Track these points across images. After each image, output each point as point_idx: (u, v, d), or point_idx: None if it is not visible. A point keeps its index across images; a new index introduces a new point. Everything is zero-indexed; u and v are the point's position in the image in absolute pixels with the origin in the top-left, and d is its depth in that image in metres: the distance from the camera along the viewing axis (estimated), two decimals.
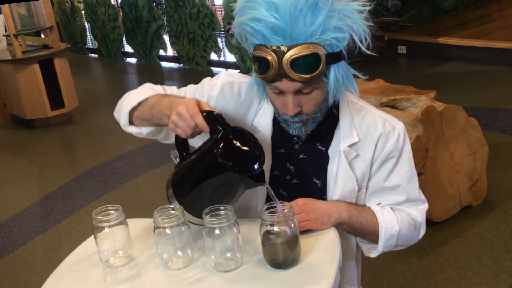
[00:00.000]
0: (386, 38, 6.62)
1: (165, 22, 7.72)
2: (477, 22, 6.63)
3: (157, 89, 1.44)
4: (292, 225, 1.18)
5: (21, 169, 4.79)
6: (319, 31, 1.16)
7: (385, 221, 1.38)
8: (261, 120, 1.39)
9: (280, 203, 1.21)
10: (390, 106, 2.98)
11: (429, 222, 2.91)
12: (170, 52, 7.91)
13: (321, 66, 1.18)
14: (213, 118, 1.21)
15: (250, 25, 1.19)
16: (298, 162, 1.39)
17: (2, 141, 5.68)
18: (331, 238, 1.29)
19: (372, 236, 1.40)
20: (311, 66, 1.18)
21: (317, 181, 1.39)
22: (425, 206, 1.45)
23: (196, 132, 1.23)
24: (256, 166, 1.20)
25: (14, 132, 5.86)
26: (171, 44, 7.79)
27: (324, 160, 1.38)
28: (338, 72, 1.22)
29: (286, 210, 1.19)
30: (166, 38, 7.87)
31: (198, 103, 1.23)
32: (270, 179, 1.39)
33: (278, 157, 1.40)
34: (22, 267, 3.18)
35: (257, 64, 1.22)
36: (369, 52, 1.24)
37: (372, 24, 1.23)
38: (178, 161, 1.31)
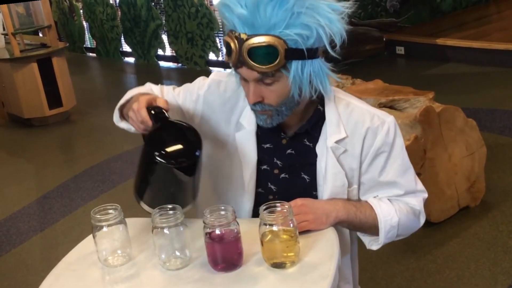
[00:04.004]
0: (384, 39, 6.63)
1: (164, 21, 7.71)
2: (475, 23, 6.64)
3: (154, 88, 1.51)
4: (291, 224, 1.18)
5: (19, 168, 4.79)
6: (283, 25, 1.16)
7: (384, 214, 1.38)
8: (247, 117, 1.41)
9: (279, 203, 1.21)
10: (388, 106, 2.98)
11: (427, 222, 2.89)
12: (169, 51, 7.91)
13: (278, 59, 1.19)
14: (156, 114, 1.25)
15: (222, 10, 1.22)
16: (286, 157, 1.40)
17: (0, 140, 5.67)
18: (330, 238, 1.30)
19: (372, 229, 1.41)
20: (268, 57, 1.19)
21: (306, 177, 1.40)
22: (424, 195, 1.45)
23: (146, 126, 1.27)
24: (184, 159, 1.23)
25: (11, 131, 5.85)
26: (170, 43, 7.78)
27: (312, 155, 1.39)
28: (301, 69, 1.21)
29: (285, 210, 1.19)
30: (164, 37, 7.87)
31: (153, 100, 1.29)
32: (259, 173, 1.41)
33: (265, 152, 1.41)
34: (20, 266, 3.17)
35: (225, 47, 1.26)
36: (335, 55, 1.23)
37: (350, 27, 1.23)
38: None
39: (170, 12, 7.50)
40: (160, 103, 1.28)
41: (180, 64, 7.75)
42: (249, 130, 1.41)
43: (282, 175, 1.41)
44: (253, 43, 1.18)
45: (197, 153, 1.24)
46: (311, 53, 1.21)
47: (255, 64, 1.20)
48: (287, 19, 1.16)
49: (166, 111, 1.26)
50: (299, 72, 1.21)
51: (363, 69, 5.81)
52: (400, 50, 6.52)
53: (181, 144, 1.25)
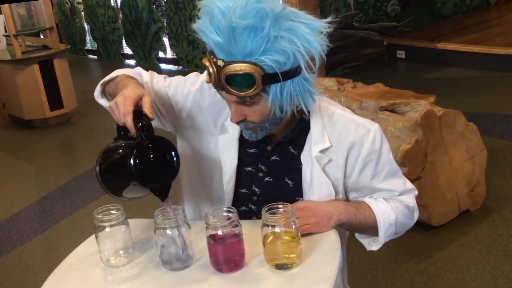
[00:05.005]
0: (385, 43, 6.64)
1: (165, 24, 7.73)
2: (476, 28, 6.65)
3: (144, 74, 1.51)
4: (293, 226, 1.19)
5: (20, 169, 4.79)
6: (259, 52, 1.15)
7: (382, 212, 1.40)
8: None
9: (281, 204, 1.22)
10: (389, 110, 2.99)
11: (428, 226, 2.92)
12: (170, 54, 7.92)
13: (255, 85, 1.19)
14: (142, 122, 1.23)
15: (200, 35, 1.22)
16: (271, 163, 1.41)
17: (1, 141, 5.67)
18: (331, 240, 1.30)
19: (371, 230, 1.42)
20: (246, 84, 1.19)
21: (290, 182, 1.41)
22: (415, 192, 1.48)
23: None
24: (159, 183, 1.25)
25: (13, 132, 5.86)
26: (171, 46, 7.79)
27: (297, 163, 1.40)
28: (280, 91, 1.21)
29: (287, 211, 1.20)
30: (165, 40, 7.88)
31: (140, 99, 1.26)
32: (244, 174, 1.43)
33: (249, 156, 1.42)
34: (20, 267, 3.18)
35: (206, 70, 1.26)
36: (307, 74, 1.22)
37: (330, 46, 1.23)
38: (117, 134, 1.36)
39: (172, 14, 7.51)
40: (146, 106, 1.25)
41: (181, 67, 7.76)
42: (232, 135, 1.41)
43: (266, 179, 1.42)
44: (230, 71, 1.18)
45: (170, 183, 1.26)
46: (290, 75, 1.20)
47: (232, 90, 1.20)
48: (264, 45, 1.15)
49: (152, 119, 1.25)
50: (278, 95, 1.21)
51: (364, 73, 5.82)
52: (401, 54, 6.53)
53: (161, 173, 1.25)
